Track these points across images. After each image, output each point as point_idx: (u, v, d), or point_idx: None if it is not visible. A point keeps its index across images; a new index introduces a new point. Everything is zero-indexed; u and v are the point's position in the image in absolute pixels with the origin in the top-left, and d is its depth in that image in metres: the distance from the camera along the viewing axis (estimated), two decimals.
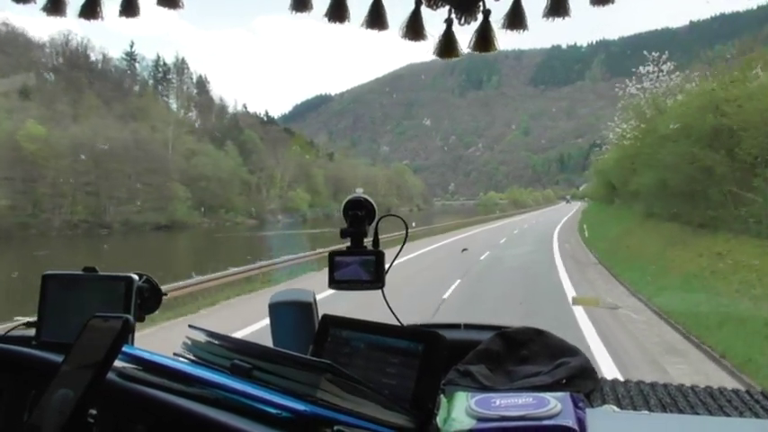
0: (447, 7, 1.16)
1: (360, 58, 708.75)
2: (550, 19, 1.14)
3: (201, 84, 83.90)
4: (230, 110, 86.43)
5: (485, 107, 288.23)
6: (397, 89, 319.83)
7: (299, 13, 1.21)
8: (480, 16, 1.16)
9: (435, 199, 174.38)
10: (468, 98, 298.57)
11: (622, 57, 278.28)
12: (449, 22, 1.18)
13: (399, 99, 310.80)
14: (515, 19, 1.15)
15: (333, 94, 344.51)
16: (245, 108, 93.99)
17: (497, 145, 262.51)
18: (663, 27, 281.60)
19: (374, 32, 1.19)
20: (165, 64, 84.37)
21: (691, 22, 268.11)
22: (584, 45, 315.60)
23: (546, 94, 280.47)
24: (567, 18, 1.13)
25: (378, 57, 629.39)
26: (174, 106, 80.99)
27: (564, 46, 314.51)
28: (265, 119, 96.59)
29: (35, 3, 1.23)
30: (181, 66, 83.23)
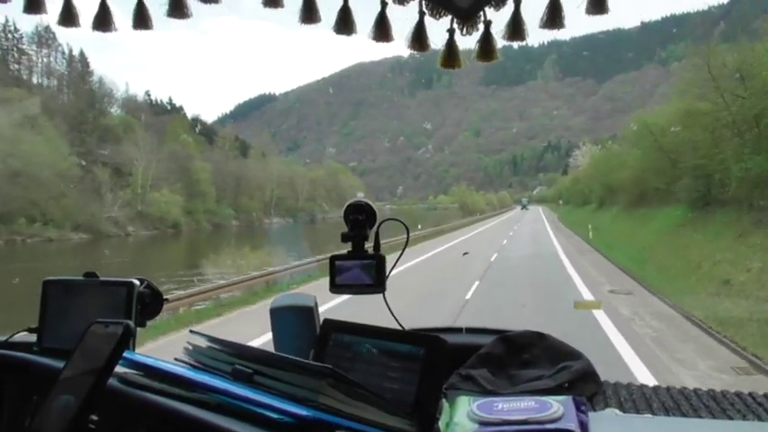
0: (449, 18, 1.22)
1: (307, 57, 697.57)
2: (547, 30, 1.22)
3: (81, 61, 68.43)
4: (119, 94, 67.36)
5: (435, 107, 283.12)
6: (345, 89, 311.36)
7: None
8: (482, 27, 1.22)
9: (382, 203, 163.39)
10: (417, 98, 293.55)
11: (574, 57, 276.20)
12: (451, 32, 1.24)
13: (347, 99, 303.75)
14: (515, 30, 1.21)
15: (277, 93, 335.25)
16: (148, 95, 79.57)
17: (448, 146, 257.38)
18: (615, 27, 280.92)
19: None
20: (16, 30, 67.53)
21: (642, 22, 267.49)
22: (536, 45, 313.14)
23: (498, 94, 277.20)
24: (561, 29, 1.22)
25: (325, 56, 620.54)
26: (35, 82, 64.28)
27: (515, 46, 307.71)
28: (169, 107, 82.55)
29: (47, 13, 1.27)
30: (45, 35, 67.37)
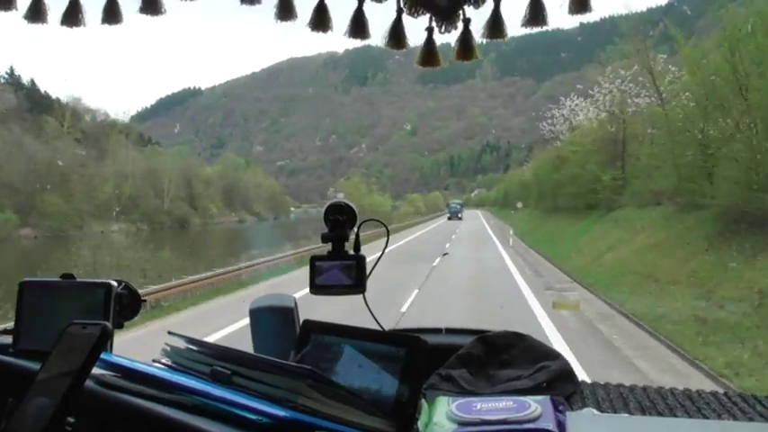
0: (428, 16, 1.23)
1: (237, 50, 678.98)
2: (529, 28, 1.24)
3: None
4: None
5: (370, 105, 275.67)
6: (275, 84, 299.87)
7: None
8: (461, 25, 1.24)
9: (309, 205, 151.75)
10: (352, 95, 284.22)
11: (513, 56, 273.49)
12: (429, 30, 1.26)
13: (277, 94, 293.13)
14: (495, 27, 1.23)
15: (203, 87, 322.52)
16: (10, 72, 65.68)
17: (383, 145, 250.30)
18: (554, 28, 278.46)
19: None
20: None
21: (581, 23, 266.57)
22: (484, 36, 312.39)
23: (435, 93, 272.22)
24: (544, 27, 1.23)
25: (257, 50, 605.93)
26: None
27: (453, 43, 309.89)
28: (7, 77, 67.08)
29: (16, 9, 1.27)
30: None
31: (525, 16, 1.19)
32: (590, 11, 1.16)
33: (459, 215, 78.77)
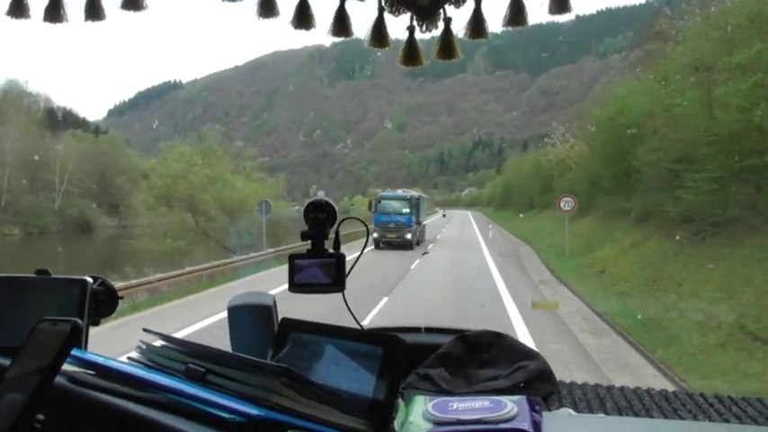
0: (409, 15, 1.25)
1: (220, 43, 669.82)
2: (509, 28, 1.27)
3: None
4: None
5: (356, 99, 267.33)
6: (258, 77, 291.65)
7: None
8: (442, 24, 1.25)
9: (289, 202, 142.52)
10: (337, 88, 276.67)
11: (506, 50, 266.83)
12: (411, 29, 1.27)
13: (260, 88, 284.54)
14: (476, 27, 1.25)
15: (184, 81, 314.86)
16: None
17: (369, 141, 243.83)
18: (548, 21, 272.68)
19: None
20: None
21: (577, 16, 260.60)
22: (465, 36, 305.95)
23: (425, 87, 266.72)
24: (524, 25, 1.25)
25: (241, 43, 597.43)
26: None
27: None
28: None
29: None
30: None
31: (506, 16, 1.20)
32: (569, 11, 1.17)
33: (410, 235, 30.46)
